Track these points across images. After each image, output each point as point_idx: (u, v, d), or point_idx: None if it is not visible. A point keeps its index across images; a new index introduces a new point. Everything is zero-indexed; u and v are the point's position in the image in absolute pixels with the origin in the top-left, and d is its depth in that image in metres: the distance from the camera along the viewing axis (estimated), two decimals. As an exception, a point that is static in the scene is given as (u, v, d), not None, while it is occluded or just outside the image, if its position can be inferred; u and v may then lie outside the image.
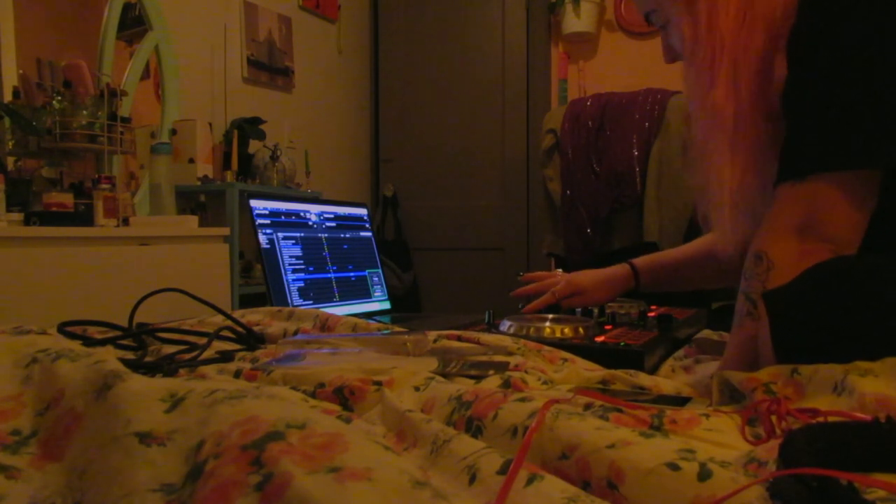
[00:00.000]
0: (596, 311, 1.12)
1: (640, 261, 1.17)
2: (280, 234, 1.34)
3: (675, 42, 0.83)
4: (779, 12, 0.71)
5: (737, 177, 0.72)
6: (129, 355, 0.81)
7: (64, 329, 0.85)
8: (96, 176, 2.04)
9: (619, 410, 0.55)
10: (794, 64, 0.69)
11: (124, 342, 0.85)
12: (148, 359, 0.78)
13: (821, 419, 0.50)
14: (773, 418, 0.52)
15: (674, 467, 0.41)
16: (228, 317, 0.97)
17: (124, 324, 0.94)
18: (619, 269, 1.16)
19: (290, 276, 1.32)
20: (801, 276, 0.64)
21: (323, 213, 1.48)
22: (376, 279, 1.56)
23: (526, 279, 1.24)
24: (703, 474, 0.40)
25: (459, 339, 0.91)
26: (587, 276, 1.16)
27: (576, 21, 3.47)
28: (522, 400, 0.53)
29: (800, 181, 0.67)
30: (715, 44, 0.72)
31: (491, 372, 0.71)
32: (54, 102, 2.02)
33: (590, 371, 0.77)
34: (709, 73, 0.73)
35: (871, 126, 0.64)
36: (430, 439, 0.49)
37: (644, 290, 1.16)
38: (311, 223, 1.44)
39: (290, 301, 1.30)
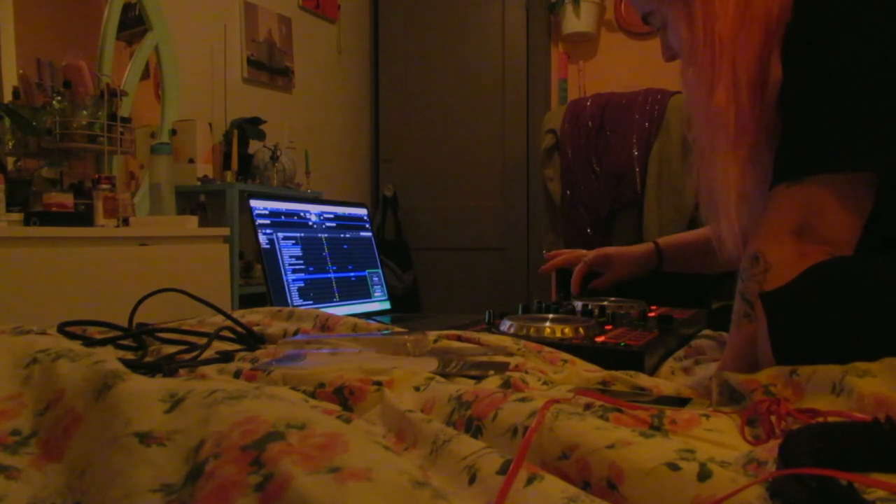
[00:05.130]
0: (596, 310, 1.12)
1: (664, 240, 1.21)
2: (280, 234, 1.34)
3: (673, 42, 0.83)
4: (775, 12, 0.70)
5: (739, 178, 0.72)
6: (129, 355, 0.81)
7: (64, 329, 0.85)
8: (96, 176, 2.04)
9: (619, 410, 0.55)
10: (789, 65, 0.69)
11: (124, 342, 0.85)
12: (148, 359, 0.78)
13: (820, 419, 0.50)
14: (773, 419, 0.52)
15: (674, 467, 0.41)
16: (228, 317, 0.97)
17: (124, 324, 0.94)
18: (644, 247, 1.20)
19: (290, 276, 1.32)
20: (799, 276, 0.64)
21: (323, 213, 1.48)
22: (376, 279, 1.56)
23: (552, 256, 1.30)
24: (703, 474, 0.40)
25: (459, 339, 0.91)
26: (616, 251, 1.21)
27: (576, 21, 3.47)
28: (522, 400, 0.53)
29: (795, 183, 0.68)
30: (714, 45, 0.72)
31: (491, 372, 0.71)
32: (54, 102, 2.02)
33: (590, 372, 0.77)
34: (709, 74, 0.73)
35: (866, 128, 0.64)
36: (430, 439, 0.49)
37: (666, 268, 1.20)
38: (311, 223, 1.44)
39: (290, 301, 1.30)
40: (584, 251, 1.25)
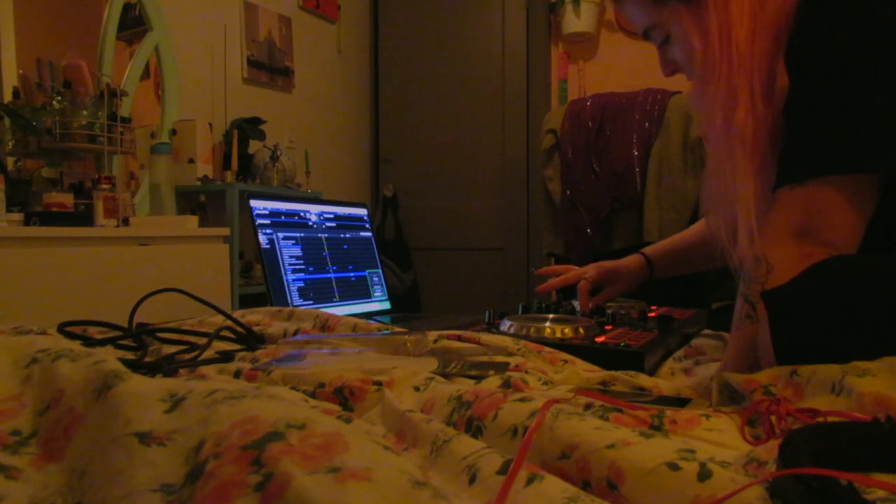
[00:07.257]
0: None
1: (651, 250, 1.20)
2: (280, 234, 1.34)
3: (679, 56, 0.82)
4: (783, 18, 0.70)
5: (755, 186, 0.72)
6: (129, 355, 0.80)
7: (64, 329, 0.85)
8: (96, 176, 2.04)
9: (619, 410, 0.55)
10: (793, 69, 0.69)
11: (124, 342, 0.85)
12: (148, 359, 0.78)
13: (820, 419, 0.50)
14: (773, 419, 0.52)
15: (674, 467, 0.41)
16: (228, 317, 0.97)
17: (124, 324, 0.94)
18: (636, 261, 1.19)
19: (290, 276, 1.32)
20: (801, 275, 0.64)
21: (323, 213, 1.48)
22: (376, 279, 1.56)
23: (543, 273, 1.28)
24: (703, 474, 0.40)
25: (459, 339, 0.91)
26: (616, 266, 1.19)
27: (576, 21, 3.47)
28: (522, 400, 0.53)
29: (798, 185, 0.68)
30: (732, 57, 0.71)
31: (491, 372, 0.71)
32: (54, 102, 2.02)
33: (590, 372, 0.77)
34: (726, 84, 0.72)
35: (869, 130, 0.64)
36: (430, 439, 0.49)
37: (657, 277, 1.20)
38: (311, 223, 1.44)
39: (290, 301, 1.30)
40: (574, 268, 1.22)
